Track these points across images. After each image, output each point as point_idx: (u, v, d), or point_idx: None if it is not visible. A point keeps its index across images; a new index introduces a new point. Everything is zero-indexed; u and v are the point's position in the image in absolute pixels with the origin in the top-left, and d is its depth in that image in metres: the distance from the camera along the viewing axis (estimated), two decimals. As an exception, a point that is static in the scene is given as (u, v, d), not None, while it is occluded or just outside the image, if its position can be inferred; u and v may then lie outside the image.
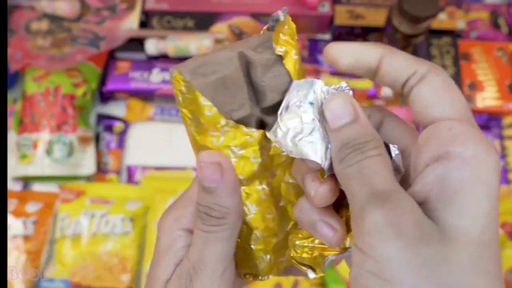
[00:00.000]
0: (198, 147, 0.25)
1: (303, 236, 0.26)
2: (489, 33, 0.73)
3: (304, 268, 0.26)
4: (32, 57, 0.64)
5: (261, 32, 0.26)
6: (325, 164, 0.22)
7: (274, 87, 0.25)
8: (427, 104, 0.22)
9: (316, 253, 0.26)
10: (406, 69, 0.22)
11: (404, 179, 0.23)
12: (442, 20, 0.70)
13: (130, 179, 0.66)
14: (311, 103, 0.23)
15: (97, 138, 0.68)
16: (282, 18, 0.25)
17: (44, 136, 0.63)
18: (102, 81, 0.69)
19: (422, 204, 0.20)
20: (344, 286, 0.59)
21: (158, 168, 0.66)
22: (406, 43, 0.62)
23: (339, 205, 0.25)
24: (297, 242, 0.26)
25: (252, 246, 0.27)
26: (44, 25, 0.68)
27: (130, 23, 0.68)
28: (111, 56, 0.70)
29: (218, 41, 0.67)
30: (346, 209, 0.25)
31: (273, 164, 0.26)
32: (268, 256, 0.27)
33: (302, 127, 0.23)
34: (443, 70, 0.22)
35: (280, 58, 0.25)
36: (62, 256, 0.59)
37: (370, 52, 0.23)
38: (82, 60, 0.64)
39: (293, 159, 0.25)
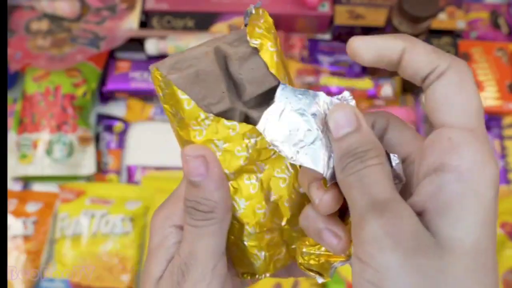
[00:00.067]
0: (183, 143, 0.26)
1: (310, 243, 0.26)
2: (489, 33, 0.73)
3: (312, 274, 0.27)
4: (32, 57, 0.64)
5: (241, 28, 0.26)
6: (327, 173, 0.23)
7: (252, 80, 0.25)
8: (437, 106, 0.21)
9: (322, 260, 0.26)
10: (427, 64, 0.22)
11: (408, 186, 0.24)
12: (442, 20, 0.70)
13: (130, 179, 0.66)
14: (314, 114, 0.24)
15: (97, 138, 0.68)
16: (253, 11, 0.26)
17: (44, 136, 0.63)
18: (102, 81, 0.69)
19: (421, 214, 0.20)
20: (344, 286, 0.59)
21: (158, 168, 0.66)
22: (406, 43, 0.62)
23: (344, 213, 0.26)
24: (304, 250, 0.26)
25: (245, 243, 0.27)
26: (44, 25, 0.68)
27: (130, 23, 0.68)
28: (111, 56, 0.70)
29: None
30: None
31: (261, 158, 0.26)
32: (263, 253, 0.27)
33: (304, 136, 0.23)
34: (465, 65, 0.22)
35: (256, 50, 0.25)
36: (62, 256, 0.59)
37: (392, 46, 0.22)
38: (82, 60, 0.64)
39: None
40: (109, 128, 0.68)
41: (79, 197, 0.62)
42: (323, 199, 0.23)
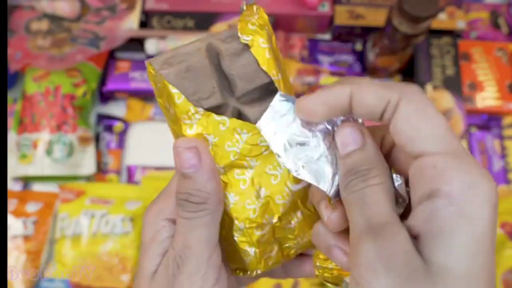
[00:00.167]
0: (176, 137, 0.26)
1: (323, 257, 0.27)
2: (489, 33, 0.73)
3: (329, 284, 0.28)
4: (32, 57, 0.64)
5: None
6: (330, 191, 0.23)
7: (242, 76, 0.25)
8: (406, 139, 0.21)
9: (335, 273, 0.27)
10: (377, 101, 0.21)
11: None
12: (442, 20, 0.70)
13: (130, 179, 0.66)
14: (322, 130, 0.24)
15: (97, 138, 0.68)
16: (245, 8, 0.26)
17: (44, 136, 0.63)
18: (102, 81, 0.69)
19: (416, 238, 0.20)
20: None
21: (158, 168, 0.66)
22: (406, 43, 0.62)
23: None
24: (318, 264, 0.27)
25: (236, 238, 0.27)
26: (44, 25, 0.68)
27: (130, 23, 0.68)
28: (111, 56, 0.70)
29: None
30: None
31: (252, 154, 0.26)
32: (253, 249, 0.27)
33: (310, 151, 0.24)
34: (416, 90, 0.21)
35: (247, 47, 0.25)
36: (62, 256, 0.59)
37: (339, 94, 0.22)
38: (82, 60, 0.64)
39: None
40: (109, 128, 0.68)
41: (79, 197, 0.62)
42: (331, 217, 0.24)
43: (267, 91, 0.26)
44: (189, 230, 0.25)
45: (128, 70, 0.68)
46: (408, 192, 0.23)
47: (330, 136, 0.24)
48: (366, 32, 0.70)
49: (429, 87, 0.66)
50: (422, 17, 0.56)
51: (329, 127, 0.24)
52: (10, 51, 0.64)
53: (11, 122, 0.66)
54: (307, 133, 0.24)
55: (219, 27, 0.70)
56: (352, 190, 0.22)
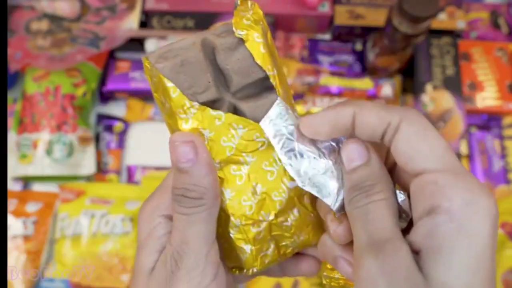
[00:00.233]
0: (172, 132, 0.26)
1: (330, 267, 0.28)
2: (489, 33, 0.73)
3: None
4: (32, 57, 0.64)
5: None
6: (335, 205, 0.24)
7: (238, 70, 0.25)
8: (407, 158, 0.22)
9: (342, 283, 0.27)
10: (379, 123, 0.22)
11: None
12: (442, 20, 0.70)
13: (130, 179, 0.66)
14: (329, 145, 0.25)
15: (97, 138, 0.68)
16: (239, 3, 0.26)
17: (44, 136, 0.63)
18: (102, 81, 0.69)
19: (418, 253, 0.21)
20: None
21: (158, 168, 0.66)
22: (406, 43, 0.62)
23: None
24: (325, 274, 0.28)
25: (232, 235, 0.27)
26: (44, 25, 0.68)
27: (130, 23, 0.68)
28: (111, 56, 0.70)
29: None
30: None
31: (247, 150, 0.26)
32: (249, 247, 0.27)
33: (316, 165, 0.24)
34: (415, 113, 0.22)
35: (242, 41, 0.25)
36: (62, 256, 0.59)
37: (342, 114, 0.23)
38: (82, 60, 0.64)
39: (270, 147, 0.26)
40: (109, 128, 0.68)
41: (79, 197, 0.62)
42: (337, 230, 0.24)
43: (263, 87, 0.26)
44: (187, 226, 0.24)
45: (128, 70, 0.68)
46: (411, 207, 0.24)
47: (335, 153, 0.25)
48: (366, 32, 0.70)
49: (429, 87, 0.66)
50: (422, 17, 0.56)
51: (334, 144, 0.25)
52: (10, 51, 0.64)
53: (11, 122, 0.66)
54: (313, 148, 0.25)
55: (219, 27, 0.70)
56: (356, 205, 0.22)
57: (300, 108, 0.67)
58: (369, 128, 0.23)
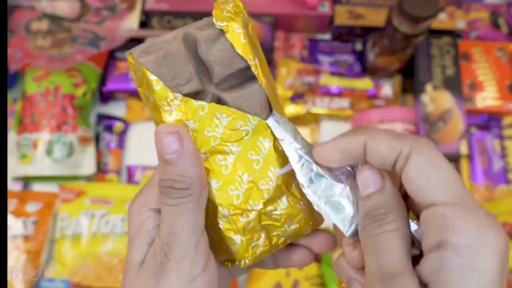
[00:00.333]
0: (157, 124, 0.26)
1: (344, 286, 0.28)
2: (489, 33, 0.73)
3: None
4: (32, 57, 0.64)
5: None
6: (348, 230, 0.25)
7: (219, 61, 0.25)
8: (417, 188, 0.22)
9: None
10: (390, 151, 0.23)
11: None
12: (442, 20, 0.70)
13: (130, 179, 0.66)
14: (343, 173, 0.25)
15: (97, 138, 0.68)
16: None
17: (44, 136, 0.63)
18: (102, 81, 0.69)
19: (426, 286, 0.21)
20: (344, 286, 0.59)
21: (158, 168, 0.66)
22: (406, 43, 0.62)
23: None
24: None
25: (221, 226, 0.27)
26: (44, 25, 0.68)
27: (130, 23, 0.68)
28: (111, 56, 0.70)
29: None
30: None
31: (232, 139, 0.26)
32: (239, 237, 0.27)
33: (332, 189, 0.25)
34: (427, 143, 0.23)
35: (222, 32, 0.25)
36: (62, 256, 0.59)
37: (354, 141, 0.24)
38: (82, 60, 0.64)
39: (254, 136, 0.26)
40: (109, 128, 0.68)
41: (79, 197, 0.62)
42: (352, 255, 0.25)
43: (245, 77, 0.26)
44: (175, 217, 0.25)
45: (128, 70, 0.68)
46: None
47: (351, 177, 0.25)
48: (366, 32, 0.70)
49: (429, 87, 0.66)
50: (422, 17, 0.56)
51: (350, 169, 0.26)
52: (10, 51, 0.64)
53: (11, 122, 0.66)
54: (330, 172, 0.25)
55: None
56: (368, 234, 0.23)
57: (300, 108, 0.67)
58: (380, 156, 0.23)
